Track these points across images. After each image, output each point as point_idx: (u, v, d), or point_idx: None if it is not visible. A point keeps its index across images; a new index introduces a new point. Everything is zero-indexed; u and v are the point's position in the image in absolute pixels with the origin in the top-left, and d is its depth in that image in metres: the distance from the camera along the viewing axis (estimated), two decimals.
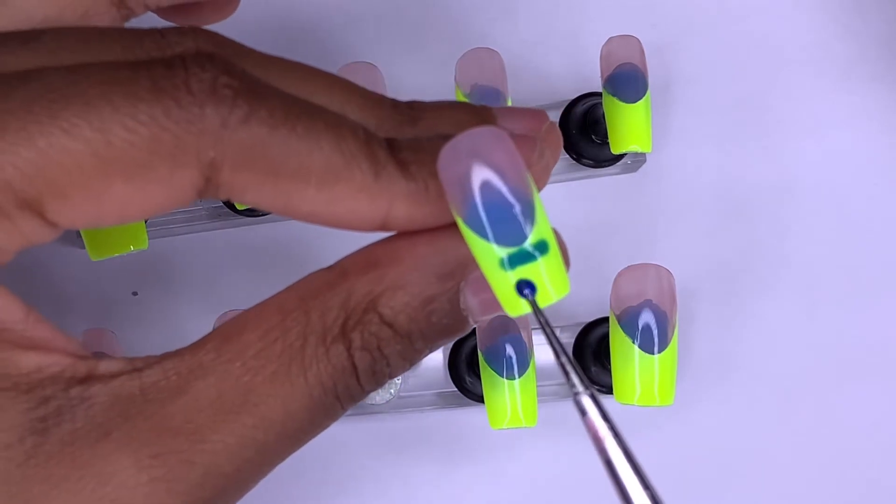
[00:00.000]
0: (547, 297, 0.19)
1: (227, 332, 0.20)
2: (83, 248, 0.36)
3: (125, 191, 0.19)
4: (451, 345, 0.36)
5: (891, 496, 0.38)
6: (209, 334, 0.20)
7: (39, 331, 0.20)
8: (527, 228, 0.19)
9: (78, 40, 0.20)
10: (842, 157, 0.40)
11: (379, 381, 0.21)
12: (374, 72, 0.35)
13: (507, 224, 0.19)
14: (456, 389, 0.36)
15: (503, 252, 0.19)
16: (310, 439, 0.21)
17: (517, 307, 0.19)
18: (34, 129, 0.18)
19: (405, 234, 0.21)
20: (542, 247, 0.19)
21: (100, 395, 0.19)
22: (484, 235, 0.19)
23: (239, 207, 0.37)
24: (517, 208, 0.19)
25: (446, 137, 0.20)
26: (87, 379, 0.20)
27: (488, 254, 0.19)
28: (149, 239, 0.36)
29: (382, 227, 0.20)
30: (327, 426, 0.21)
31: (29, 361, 0.20)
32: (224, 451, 0.19)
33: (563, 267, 0.20)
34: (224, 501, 0.20)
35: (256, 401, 0.20)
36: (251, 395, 0.20)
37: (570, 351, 0.36)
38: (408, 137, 0.21)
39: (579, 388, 0.19)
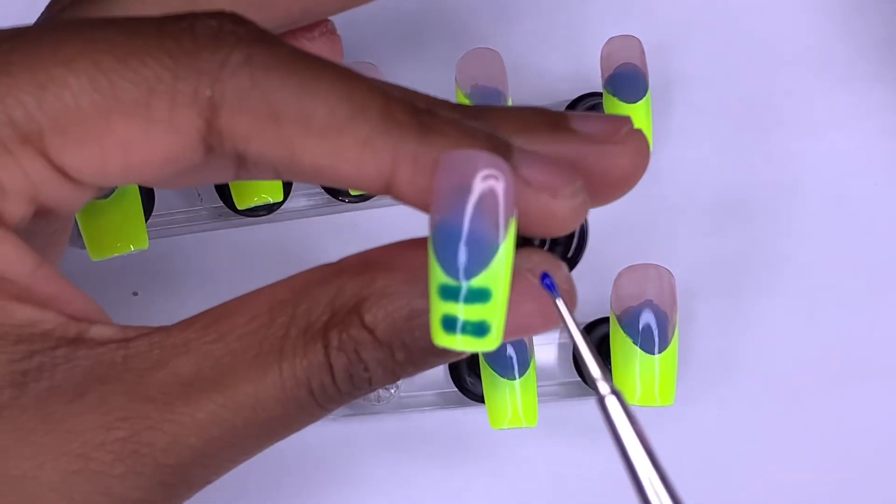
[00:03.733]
0: (470, 343, 0.18)
1: (218, 313, 0.20)
2: (83, 248, 0.36)
3: (126, 130, 0.19)
4: None
5: (891, 496, 0.38)
6: (202, 313, 0.21)
7: (45, 286, 0.20)
8: (470, 270, 0.18)
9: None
10: (842, 157, 0.40)
11: (357, 385, 0.20)
12: (375, 72, 0.35)
13: (452, 257, 0.18)
14: (456, 389, 0.36)
15: (442, 279, 0.18)
16: (285, 434, 0.21)
17: (439, 337, 0.18)
18: (35, 65, 0.19)
19: (407, 242, 0.21)
20: (481, 294, 0.18)
21: (84, 359, 0.20)
22: (434, 253, 0.18)
23: (239, 207, 0.37)
24: (470, 246, 0.18)
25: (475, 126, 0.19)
26: (76, 341, 0.20)
27: (434, 272, 0.18)
28: (149, 239, 0.36)
29: (387, 190, 0.20)
30: (305, 424, 0.21)
31: (23, 314, 0.20)
32: (192, 424, 0.19)
33: (501, 322, 0.19)
34: (188, 477, 0.20)
35: (230, 382, 0.20)
36: (226, 377, 0.20)
37: (568, 352, 0.36)
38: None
39: (604, 389, 0.18)
